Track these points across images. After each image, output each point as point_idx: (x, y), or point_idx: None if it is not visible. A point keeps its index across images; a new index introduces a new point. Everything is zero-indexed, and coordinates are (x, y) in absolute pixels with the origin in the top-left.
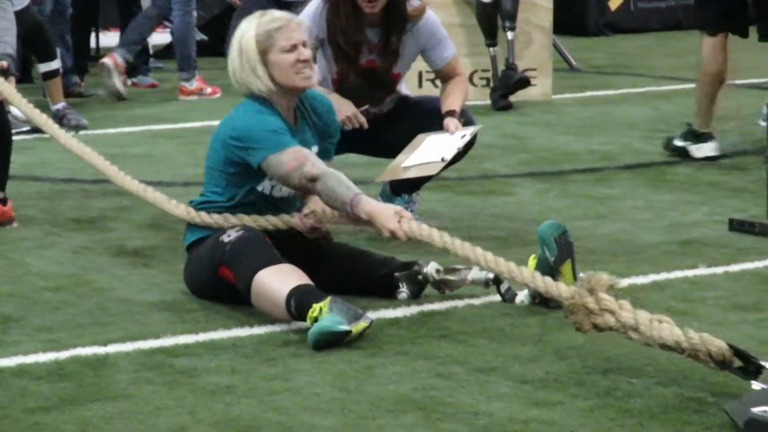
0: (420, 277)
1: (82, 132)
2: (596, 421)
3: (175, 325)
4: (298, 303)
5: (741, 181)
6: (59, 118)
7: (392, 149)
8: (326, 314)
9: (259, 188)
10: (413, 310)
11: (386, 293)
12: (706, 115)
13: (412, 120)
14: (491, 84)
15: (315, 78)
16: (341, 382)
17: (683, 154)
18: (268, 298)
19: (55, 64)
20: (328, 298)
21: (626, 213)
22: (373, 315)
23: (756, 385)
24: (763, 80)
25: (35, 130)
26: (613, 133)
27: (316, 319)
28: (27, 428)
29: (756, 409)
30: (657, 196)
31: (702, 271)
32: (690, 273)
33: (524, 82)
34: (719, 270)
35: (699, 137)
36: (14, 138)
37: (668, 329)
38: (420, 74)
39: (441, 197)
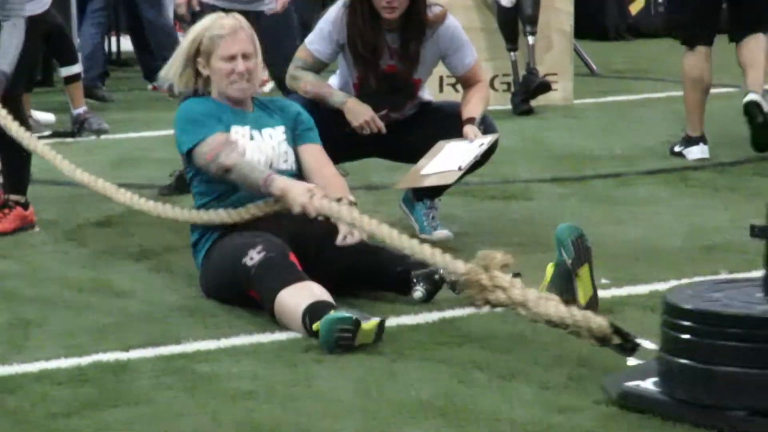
0: (436, 276)
1: (103, 136)
2: (619, 427)
3: (196, 330)
4: (312, 318)
5: (763, 186)
6: (80, 123)
7: (413, 154)
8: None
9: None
10: (434, 315)
11: (402, 290)
12: (693, 120)
13: (433, 125)
14: (512, 88)
15: (252, 90)
16: (363, 388)
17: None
18: (288, 316)
19: (77, 68)
20: (332, 310)
21: (647, 218)
22: (393, 320)
23: (631, 361)
24: None
25: (56, 134)
26: (634, 137)
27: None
28: None
29: (629, 383)
30: (678, 200)
31: (723, 277)
32: (711, 279)
33: (545, 87)
34: (740, 276)
35: (690, 141)
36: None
37: (554, 306)
38: (441, 79)
39: (461, 201)
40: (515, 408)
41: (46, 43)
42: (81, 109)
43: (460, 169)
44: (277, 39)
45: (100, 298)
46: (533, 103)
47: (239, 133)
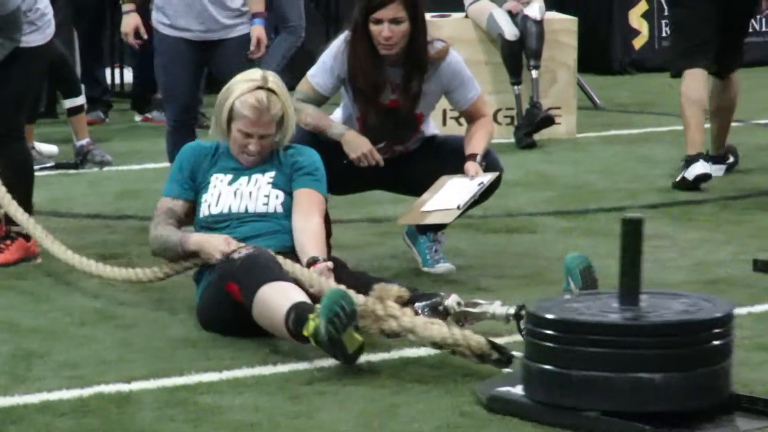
0: (441, 308)
1: (106, 168)
2: None
3: (198, 362)
4: (297, 318)
5: (766, 220)
6: (83, 154)
7: (416, 188)
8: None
9: (215, 211)
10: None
11: None
12: (690, 138)
13: (436, 159)
14: (515, 122)
15: (260, 161)
16: (365, 420)
17: (687, 185)
18: (269, 313)
19: (80, 100)
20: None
21: (651, 252)
22: (395, 353)
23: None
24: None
25: (59, 165)
26: (638, 171)
27: (314, 330)
28: None
29: (500, 388)
30: (682, 234)
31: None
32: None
33: (548, 121)
34: (743, 311)
35: (689, 161)
36: (38, 173)
37: (437, 329)
38: (444, 112)
39: (465, 235)
40: None
41: (49, 74)
42: (84, 141)
43: (458, 207)
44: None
45: (102, 329)
46: (536, 136)
47: (219, 179)
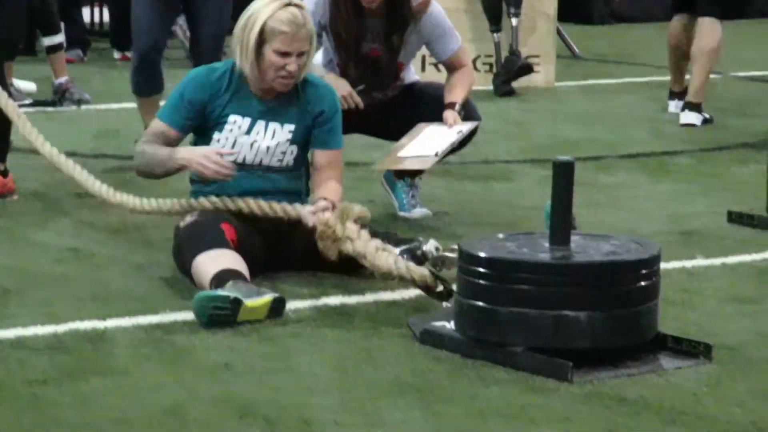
0: (419, 253)
1: (84, 107)
2: (592, 408)
3: (174, 301)
4: (217, 286)
5: (741, 173)
6: (62, 92)
7: (394, 134)
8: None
9: (227, 157)
10: (412, 292)
11: None
12: (672, 77)
13: (415, 107)
14: (494, 70)
15: (292, 84)
16: (339, 364)
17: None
18: (201, 281)
19: (59, 38)
20: (231, 281)
21: (626, 202)
22: (370, 297)
23: (446, 305)
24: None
25: (37, 103)
26: (615, 122)
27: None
28: (25, 400)
29: (435, 323)
30: (657, 186)
31: (700, 262)
32: (688, 264)
33: (527, 69)
34: (717, 261)
35: (670, 95)
36: None
37: (385, 258)
38: (423, 58)
39: (443, 183)
40: (490, 387)
41: (28, 12)
42: (63, 79)
43: (436, 155)
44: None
45: (79, 268)
46: (515, 85)
47: (236, 124)
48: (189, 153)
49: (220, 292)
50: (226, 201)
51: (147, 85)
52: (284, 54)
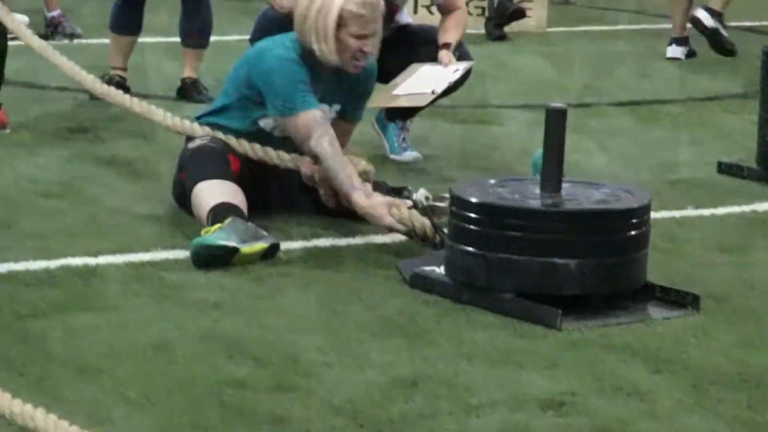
0: (409, 202)
1: (76, 41)
2: (579, 354)
3: (165, 238)
4: (214, 220)
5: (732, 123)
6: (54, 26)
7: (388, 76)
8: (215, 231)
9: (261, 123)
10: (401, 235)
11: None
12: (673, 21)
13: (409, 48)
14: (486, 13)
15: (363, 64)
16: (327, 303)
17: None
18: (198, 210)
19: None
20: (230, 218)
21: (615, 149)
22: (360, 239)
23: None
24: (759, 23)
25: None
26: (606, 68)
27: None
28: (15, 333)
29: (425, 267)
30: (647, 133)
31: (689, 212)
32: (677, 213)
33: (519, 13)
34: (706, 212)
35: (670, 41)
36: (9, 43)
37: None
38: (416, 1)
39: (432, 124)
40: (477, 331)
41: None
42: (55, 12)
43: (433, 93)
44: None
45: (70, 203)
46: (507, 29)
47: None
48: (366, 206)
49: (220, 241)
50: (234, 141)
51: (129, 23)
52: (362, 36)
